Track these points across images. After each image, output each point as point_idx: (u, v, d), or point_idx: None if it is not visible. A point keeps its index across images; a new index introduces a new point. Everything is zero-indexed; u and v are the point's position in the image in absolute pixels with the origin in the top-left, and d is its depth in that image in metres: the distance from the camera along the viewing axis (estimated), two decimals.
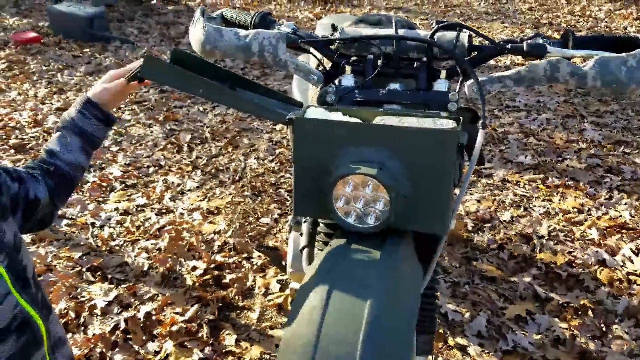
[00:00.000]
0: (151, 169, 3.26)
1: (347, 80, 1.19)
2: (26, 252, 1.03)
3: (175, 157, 3.40)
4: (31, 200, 1.10)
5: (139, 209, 2.88)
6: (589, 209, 2.74)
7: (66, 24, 5.57)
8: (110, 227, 2.73)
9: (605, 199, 2.80)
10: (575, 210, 2.74)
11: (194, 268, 2.42)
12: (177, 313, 2.17)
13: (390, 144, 0.98)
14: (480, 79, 1.11)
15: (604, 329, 2.02)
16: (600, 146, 3.32)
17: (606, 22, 5.95)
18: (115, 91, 1.23)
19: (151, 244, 2.58)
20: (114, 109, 1.27)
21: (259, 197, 2.95)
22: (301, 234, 1.63)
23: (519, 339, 1.99)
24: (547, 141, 3.41)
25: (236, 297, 2.26)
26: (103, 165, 3.30)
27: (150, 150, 3.49)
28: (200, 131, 3.72)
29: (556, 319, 2.08)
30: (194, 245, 2.56)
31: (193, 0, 7.23)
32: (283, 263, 2.29)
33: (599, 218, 2.66)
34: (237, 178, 3.15)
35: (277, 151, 3.42)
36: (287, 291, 2.26)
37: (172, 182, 3.11)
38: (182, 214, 2.83)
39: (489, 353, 1.94)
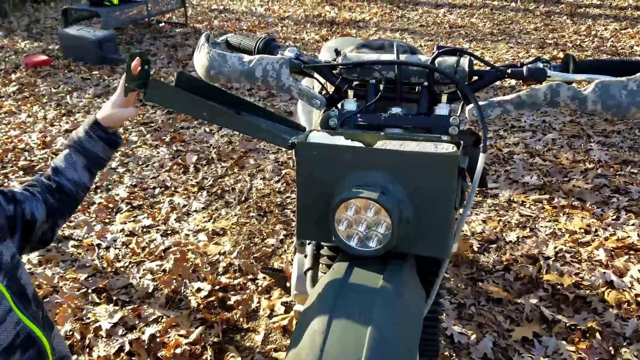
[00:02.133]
0: (157, 190, 3.28)
1: (350, 104, 1.20)
2: (24, 272, 1.05)
3: (181, 178, 3.42)
4: (27, 220, 1.12)
5: (144, 230, 2.89)
6: (596, 230, 2.72)
7: (76, 47, 5.65)
8: (115, 248, 2.74)
9: (612, 220, 2.78)
10: (582, 231, 2.72)
11: (199, 290, 2.42)
12: (181, 335, 2.17)
13: (392, 168, 0.99)
14: (480, 103, 1.12)
15: (612, 352, 2.00)
16: (607, 166, 3.31)
17: (612, 41, 5.96)
18: (122, 115, 1.25)
19: (156, 266, 2.59)
20: (121, 130, 1.30)
21: (265, 218, 2.96)
22: (305, 256, 1.63)
23: None
24: (553, 161, 3.41)
25: (241, 319, 2.26)
26: (109, 186, 3.32)
27: (156, 171, 3.51)
28: (207, 152, 3.74)
29: (564, 342, 2.06)
30: (199, 267, 2.57)
31: (200, 23, 7.32)
32: (288, 285, 2.28)
33: (606, 239, 2.64)
34: (242, 199, 3.16)
35: (283, 172, 3.43)
36: (292, 313, 2.25)
37: (178, 203, 3.13)
38: (187, 235, 2.84)
39: None
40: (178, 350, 2.08)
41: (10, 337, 0.97)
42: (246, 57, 1.22)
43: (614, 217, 2.82)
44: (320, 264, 1.23)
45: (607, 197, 3.00)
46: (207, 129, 4.10)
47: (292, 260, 2.58)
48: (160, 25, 7.13)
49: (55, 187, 1.19)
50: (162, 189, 3.29)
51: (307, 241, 1.68)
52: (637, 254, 2.52)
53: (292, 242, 2.74)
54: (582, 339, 2.06)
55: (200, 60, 1.26)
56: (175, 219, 2.97)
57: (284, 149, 3.74)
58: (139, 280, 2.50)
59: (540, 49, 5.78)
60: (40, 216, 1.14)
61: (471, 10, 7.74)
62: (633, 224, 2.74)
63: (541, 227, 2.77)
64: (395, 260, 1.05)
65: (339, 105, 1.23)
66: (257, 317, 2.28)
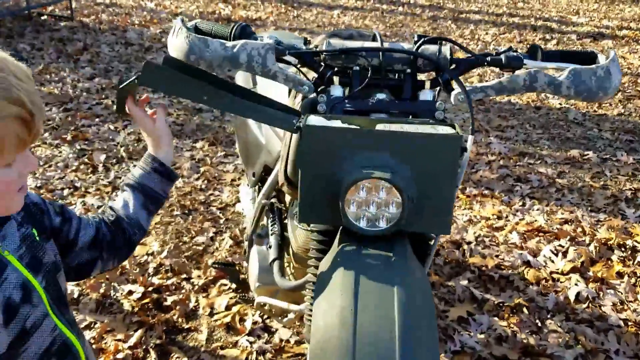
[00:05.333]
0: (66, 191, 3.07)
1: (336, 90, 1.22)
2: (63, 275, 1.00)
3: (90, 177, 3.23)
4: (69, 240, 1.06)
5: None
6: (507, 215, 2.95)
7: None
8: None
9: (519, 206, 3.03)
10: (495, 217, 2.94)
11: (130, 292, 2.31)
12: (119, 340, 2.05)
13: (399, 149, 1.02)
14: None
15: (539, 324, 2.18)
16: (507, 158, 3.59)
17: (494, 44, 6.46)
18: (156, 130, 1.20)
19: None
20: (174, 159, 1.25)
21: (190, 216, 2.87)
22: (270, 247, 1.62)
23: (465, 339, 2.10)
24: None
25: (180, 320, 2.18)
26: None
27: (61, 171, 3.28)
28: (115, 150, 3.55)
29: (495, 318, 2.21)
30: (126, 269, 2.44)
31: (87, 17, 6.91)
32: (241, 278, 2.24)
33: (517, 223, 2.87)
34: None
35: (202, 169, 3.35)
36: (234, 310, 2.22)
37: (92, 204, 2.95)
38: None
39: (440, 355, 2.02)
40: (119, 356, 1.97)
41: (46, 344, 0.92)
42: (228, 42, 1.19)
43: (520, 203, 3.07)
44: (311, 249, 1.23)
45: (512, 186, 3.26)
46: (112, 127, 3.89)
47: (231, 255, 2.53)
48: (42, 18, 6.64)
49: (112, 221, 1.14)
50: (72, 189, 3.09)
51: (270, 232, 1.67)
52: (545, 235, 2.76)
53: (223, 239, 2.69)
54: (511, 315, 2.23)
55: (178, 45, 1.21)
56: None
57: (198, 147, 3.66)
58: None
59: None
60: (84, 241, 1.07)
61: (363, 12, 8.01)
62: (538, 209, 3.00)
63: (459, 215, 2.95)
64: (396, 239, 1.08)
65: (324, 91, 1.24)
66: (197, 316, 2.21)
